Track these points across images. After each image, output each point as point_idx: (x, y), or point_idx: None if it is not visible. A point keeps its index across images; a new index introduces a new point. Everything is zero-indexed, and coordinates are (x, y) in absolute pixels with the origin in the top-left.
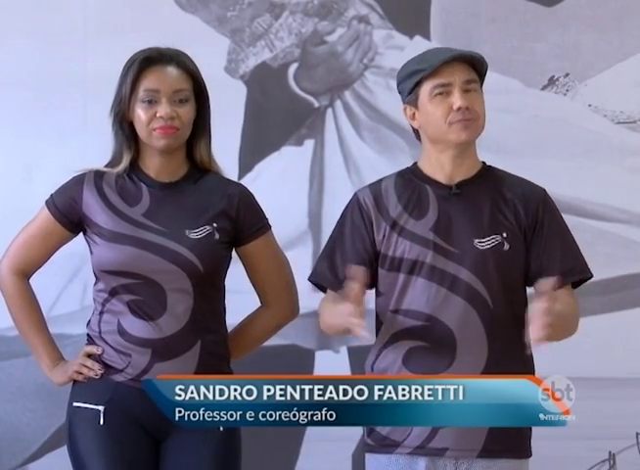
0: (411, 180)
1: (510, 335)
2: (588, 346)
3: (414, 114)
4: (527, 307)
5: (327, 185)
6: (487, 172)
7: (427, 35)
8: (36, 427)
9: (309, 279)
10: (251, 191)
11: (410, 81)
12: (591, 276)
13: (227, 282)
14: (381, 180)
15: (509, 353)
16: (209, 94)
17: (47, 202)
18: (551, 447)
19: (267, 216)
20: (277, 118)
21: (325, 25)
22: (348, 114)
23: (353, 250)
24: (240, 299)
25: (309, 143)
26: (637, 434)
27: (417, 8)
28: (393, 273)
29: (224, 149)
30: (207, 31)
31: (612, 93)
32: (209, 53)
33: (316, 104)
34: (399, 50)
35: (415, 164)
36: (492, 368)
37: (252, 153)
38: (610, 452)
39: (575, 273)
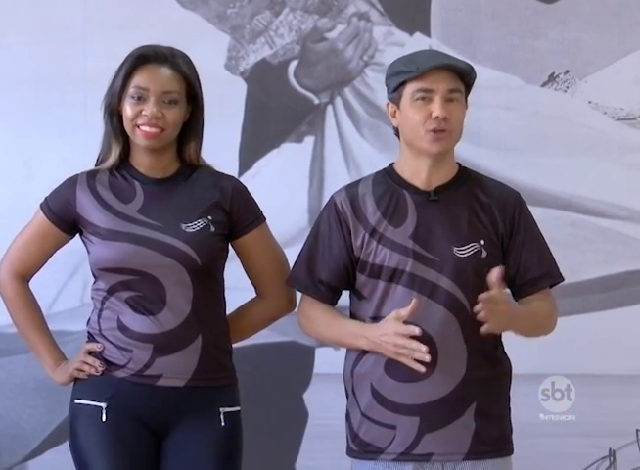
0: (389, 185)
1: (485, 336)
2: (588, 343)
3: (395, 111)
4: None
5: (327, 182)
6: (464, 176)
7: (427, 32)
8: (36, 424)
9: (287, 283)
10: (243, 184)
11: (396, 79)
12: (563, 280)
13: (226, 279)
14: (358, 182)
15: (485, 354)
16: (210, 91)
17: (42, 205)
18: (552, 445)
19: (265, 211)
20: (277, 115)
21: (325, 22)
22: (349, 110)
23: (330, 254)
24: (239, 295)
25: (309, 140)
26: (637, 431)
27: (417, 5)
28: (373, 280)
29: (224, 146)
30: (207, 28)
31: (612, 90)
32: (209, 50)
33: (316, 101)
34: (399, 47)
35: (392, 164)
36: (472, 372)
37: (253, 150)
38: (610, 449)
39: (551, 277)
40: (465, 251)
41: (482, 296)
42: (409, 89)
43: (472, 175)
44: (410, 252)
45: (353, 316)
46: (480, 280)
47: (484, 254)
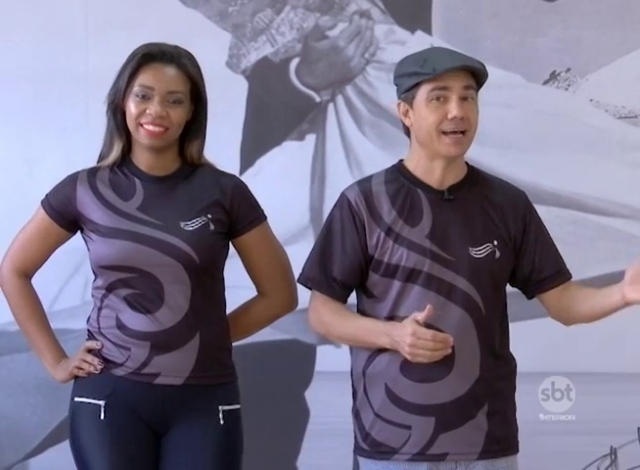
0: (402, 183)
1: (495, 335)
2: (588, 342)
3: (407, 111)
4: (506, 306)
5: (328, 180)
6: (474, 175)
7: (428, 30)
8: (38, 422)
9: (299, 281)
10: (244, 182)
11: (409, 80)
12: (571, 276)
13: (227, 277)
14: (369, 179)
15: (496, 354)
16: (211, 89)
17: (42, 202)
18: (553, 443)
19: (266, 209)
20: (278, 113)
21: (326, 20)
22: (350, 108)
23: (344, 252)
24: (240, 293)
25: (311, 138)
26: (639, 428)
27: (418, 3)
28: (388, 279)
29: (226, 144)
30: (209, 26)
31: (613, 88)
32: (211, 48)
33: (318, 99)
34: (401, 45)
35: (401, 161)
36: (485, 372)
37: (254, 148)
38: (611, 447)
39: (565, 273)
40: (480, 251)
41: None
42: (424, 89)
43: (481, 175)
44: (427, 252)
45: (363, 314)
46: (494, 281)
47: (498, 254)
